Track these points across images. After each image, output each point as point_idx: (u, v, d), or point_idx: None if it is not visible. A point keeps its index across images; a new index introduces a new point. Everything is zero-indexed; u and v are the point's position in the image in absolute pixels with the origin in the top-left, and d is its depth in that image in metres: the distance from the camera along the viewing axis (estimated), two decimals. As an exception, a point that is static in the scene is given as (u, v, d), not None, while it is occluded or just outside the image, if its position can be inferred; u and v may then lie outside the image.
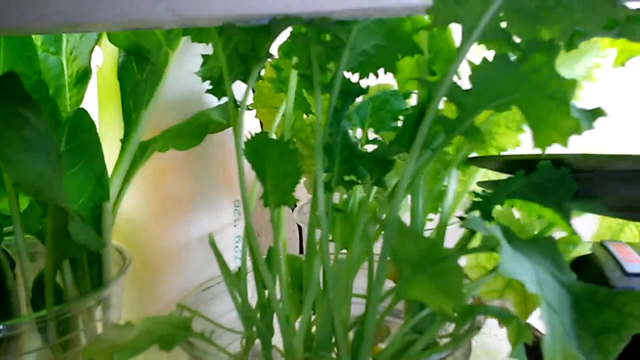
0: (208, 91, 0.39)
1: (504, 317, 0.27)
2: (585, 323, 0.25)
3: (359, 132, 0.44)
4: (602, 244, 0.39)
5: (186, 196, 0.67)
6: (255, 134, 0.36)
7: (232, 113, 0.37)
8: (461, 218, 0.37)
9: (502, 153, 0.41)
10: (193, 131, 0.51)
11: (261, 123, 0.72)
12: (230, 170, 0.71)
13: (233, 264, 0.69)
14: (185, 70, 0.61)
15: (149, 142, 0.49)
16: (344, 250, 0.40)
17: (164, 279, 0.68)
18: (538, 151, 0.31)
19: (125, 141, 0.48)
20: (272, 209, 0.36)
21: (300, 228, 0.85)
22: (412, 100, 0.44)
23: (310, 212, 0.35)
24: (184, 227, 0.67)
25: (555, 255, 0.28)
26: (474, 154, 0.42)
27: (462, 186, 0.48)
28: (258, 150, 0.36)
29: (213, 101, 0.58)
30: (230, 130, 0.69)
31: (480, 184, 0.41)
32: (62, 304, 0.37)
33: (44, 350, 0.40)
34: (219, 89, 0.38)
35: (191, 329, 0.29)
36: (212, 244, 0.37)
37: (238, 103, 0.37)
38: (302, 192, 0.83)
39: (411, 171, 0.31)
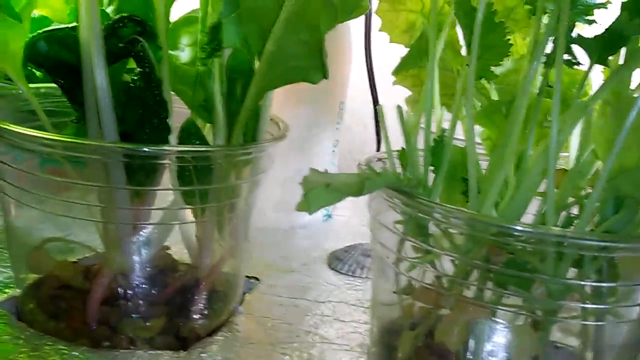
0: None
1: None
2: None
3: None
4: None
5: (293, 87, 0.64)
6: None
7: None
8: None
9: None
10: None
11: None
12: (340, 72, 0.68)
13: (329, 168, 0.67)
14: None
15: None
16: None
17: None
18: None
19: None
20: (470, 80, 0.34)
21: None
22: None
23: (519, 90, 0.33)
24: (287, 119, 0.65)
25: None
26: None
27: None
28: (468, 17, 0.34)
29: None
30: (344, 28, 0.66)
31: None
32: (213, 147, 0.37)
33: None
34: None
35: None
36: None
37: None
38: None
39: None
